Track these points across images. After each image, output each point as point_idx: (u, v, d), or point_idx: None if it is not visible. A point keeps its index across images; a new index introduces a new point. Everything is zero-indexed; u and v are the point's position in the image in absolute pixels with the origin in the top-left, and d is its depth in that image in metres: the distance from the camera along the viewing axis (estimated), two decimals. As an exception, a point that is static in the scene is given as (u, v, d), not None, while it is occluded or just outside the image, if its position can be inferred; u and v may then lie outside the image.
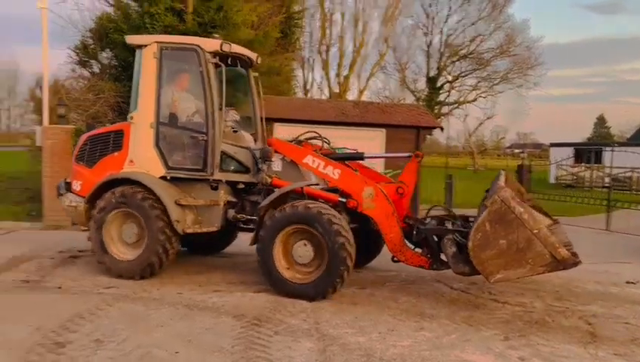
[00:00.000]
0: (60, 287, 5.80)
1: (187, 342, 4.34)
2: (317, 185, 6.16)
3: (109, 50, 12.78)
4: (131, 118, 6.41)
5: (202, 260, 7.25)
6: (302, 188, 5.93)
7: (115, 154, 6.48)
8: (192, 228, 6.24)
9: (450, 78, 36.81)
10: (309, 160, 6.15)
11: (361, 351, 4.28)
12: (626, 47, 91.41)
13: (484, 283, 6.52)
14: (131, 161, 6.38)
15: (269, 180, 6.20)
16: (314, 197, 5.89)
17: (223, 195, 6.32)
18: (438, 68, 38.82)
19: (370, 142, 12.04)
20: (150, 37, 6.74)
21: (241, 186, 6.52)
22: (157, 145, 6.29)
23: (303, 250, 5.64)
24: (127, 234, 6.23)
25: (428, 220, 6.15)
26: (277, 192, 5.89)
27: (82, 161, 6.73)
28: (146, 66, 6.33)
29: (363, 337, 4.59)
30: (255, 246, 5.79)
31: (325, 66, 34.01)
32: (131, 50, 6.93)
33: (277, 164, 6.33)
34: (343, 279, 5.50)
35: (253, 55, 7.06)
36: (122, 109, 11.11)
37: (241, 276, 6.53)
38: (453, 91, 38.73)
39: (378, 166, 12.23)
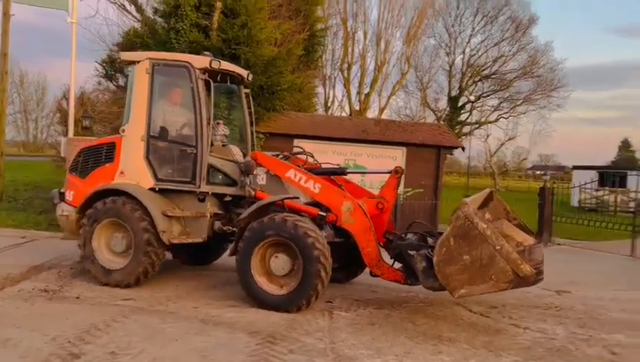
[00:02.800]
0: (78, 297, 5.84)
1: (202, 357, 4.31)
2: (297, 198, 6.21)
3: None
4: (123, 131, 6.56)
5: (218, 275, 7.24)
6: (282, 201, 5.97)
7: (107, 165, 6.62)
8: (179, 239, 6.32)
9: (472, 98, 36.66)
10: (291, 174, 6.23)
11: (377, 374, 4.20)
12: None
13: (504, 307, 6.39)
14: (122, 173, 6.51)
15: (253, 193, 6.26)
16: (295, 211, 5.95)
17: (210, 207, 6.40)
18: (459, 88, 38.80)
19: (391, 161, 12.00)
20: (142, 53, 6.93)
21: (229, 199, 6.59)
22: (147, 157, 6.43)
23: (280, 262, 5.69)
24: (116, 244, 6.34)
25: (409, 236, 6.21)
26: (256, 205, 5.95)
27: (75, 172, 6.88)
28: (139, 81, 6.49)
29: (379, 359, 4.50)
30: (234, 257, 5.86)
31: (347, 84, 34.13)
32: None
33: (261, 178, 6.41)
34: (317, 292, 5.55)
35: (243, 72, 7.22)
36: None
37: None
38: (474, 111, 38.65)
39: (401, 184, 12.18)
